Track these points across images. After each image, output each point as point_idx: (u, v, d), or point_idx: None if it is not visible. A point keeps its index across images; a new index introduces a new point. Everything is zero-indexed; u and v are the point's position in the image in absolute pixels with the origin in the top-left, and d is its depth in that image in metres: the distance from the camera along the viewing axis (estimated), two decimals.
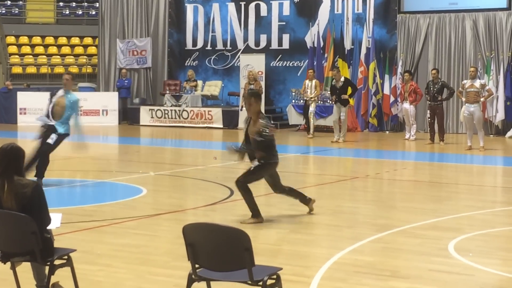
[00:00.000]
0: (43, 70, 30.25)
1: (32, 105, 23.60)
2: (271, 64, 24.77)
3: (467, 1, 22.20)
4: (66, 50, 31.58)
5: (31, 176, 10.81)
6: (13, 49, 30.91)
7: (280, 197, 10.92)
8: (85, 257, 6.92)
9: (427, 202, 10.69)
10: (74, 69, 30.71)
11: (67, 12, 32.50)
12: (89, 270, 6.61)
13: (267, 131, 8.81)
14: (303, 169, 15.51)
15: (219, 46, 25.90)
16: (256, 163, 8.98)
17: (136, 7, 27.02)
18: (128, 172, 13.62)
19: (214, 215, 9.60)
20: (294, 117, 22.78)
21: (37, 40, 31.63)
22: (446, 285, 6.42)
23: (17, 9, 32.33)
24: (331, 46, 23.25)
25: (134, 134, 22.61)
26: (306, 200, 9.49)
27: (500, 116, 21.12)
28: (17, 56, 30.84)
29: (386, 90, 22.40)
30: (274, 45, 24.96)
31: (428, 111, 19.15)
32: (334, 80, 19.73)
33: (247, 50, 25.20)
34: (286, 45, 24.79)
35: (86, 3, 32.83)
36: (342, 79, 19.38)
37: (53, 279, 5.48)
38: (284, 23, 24.80)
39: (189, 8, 26.38)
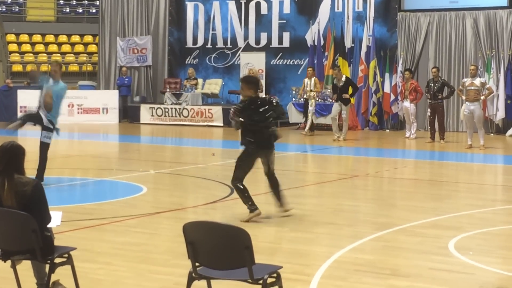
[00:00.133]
0: (43, 68, 30.24)
1: (33, 103, 23.55)
2: (272, 62, 24.77)
3: None
4: (66, 48, 31.59)
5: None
6: (13, 47, 30.92)
7: None
8: (85, 255, 6.92)
9: (427, 200, 10.69)
10: (74, 67, 30.73)
11: (68, 10, 32.51)
12: (89, 268, 6.61)
13: (231, 113, 8.97)
14: (304, 167, 15.51)
15: (220, 44, 25.90)
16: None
17: (137, 5, 27.02)
18: (129, 170, 13.62)
19: (214, 213, 9.60)
20: (295, 116, 22.77)
21: (37, 38, 31.64)
22: (446, 284, 6.42)
23: (17, 7, 32.34)
24: (331, 44, 23.25)
25: (134, 132, 22.61)
26: (281, 202, 9.27)
27: (500, 114, 21.13)
28: (17, 54, 30.85)
29: (387, 89, 22.40)
30: (275, 43, 24.95)
31: (429, 110, 19.15)
32: (335, 79, 19.74)
33: (248, 48, 25.20)
34: (286, 43, 24.78)
35: (86, 1, 32.85)
36: (344, 78, 19.39)
37: (54, 277, 5.48)
38: (284, 21, 24.80)
39: (190, 6, 26.37)
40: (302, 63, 24.31)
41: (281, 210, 9.21)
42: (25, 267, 5.69)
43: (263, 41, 25.13)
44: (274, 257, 7.07)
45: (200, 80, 25.39)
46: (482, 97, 17.90)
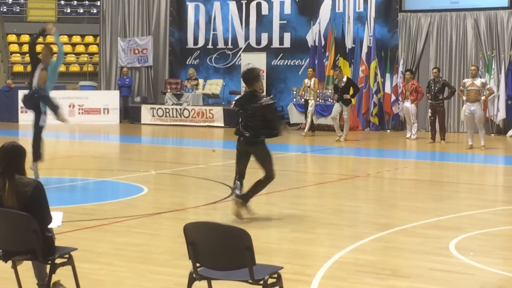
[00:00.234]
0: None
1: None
2: (272, 63, 24.77)
3: (468, 0, 22.19)
4: (67, 48, 31.56)
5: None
6: (14, 47, 30.93)
7: (281, 196, 10.95)
8: (86, 256, 6.92)
9: (428, 201, 10.69)
10: (75, 68, 30.74)
11: (69, 11, 32.52)
12: (90, 268, 6.61)
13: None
14: (304, 168, 15.51)
15: (220, 44, 25.90)
16: None
17: (138, 5, 27.04)
18: (129, 170, 13.62)
19: (215, 213, 9.60)
20: (295, 116, 22.78)
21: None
22: (447, 284, 6.42)
23: (18, 7, 32.35)
24: (332, 44, 23.26)
25: (135, 133, 22.62)
26: (246, 199, 9.13)
27: (501, 115, 21.13)
28: (18, 54, 30.85)
29: (387, 89, 22.41)
30: (275, 43, 24.95)
31: (429, 110, 19.15)
32: (336, 80, 19.75)
33: (248, 48, 25.20)
34: (287, 43, 24.79)
35: (87, 2, 32.85)
36: (345, 79, 19.40)
37: (54, 278, 5.49)
38: (285, 21, 24.80)
39: (190, 6, 26.38)
40: (303, 63, 24.31)
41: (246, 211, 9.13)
42: (26, 267, 5.69)
43: (264, 42, 25.13)
44: (274, 257, 7.07)
45: (201, 81, 25.40)
46: (483, 98, 17.90)
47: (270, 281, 4.84)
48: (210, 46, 26.07)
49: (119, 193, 11.55)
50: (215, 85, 25.31)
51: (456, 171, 14.89)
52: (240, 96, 9.28)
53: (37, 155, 11.63)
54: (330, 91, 22.25)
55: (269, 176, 9.12)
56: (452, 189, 12.16)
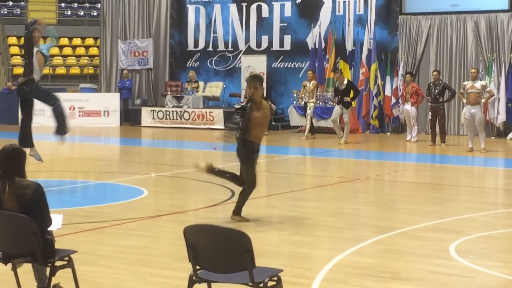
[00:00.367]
0: (45, 71, 30.14)
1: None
2: (273, 66, 24.77)
3: (468, 2, 22.20)
4: (67, 51, 31.60)
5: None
6: (14, 49, 30.93)
7: (281, 198, 10.95)
8: (86, 258, 6.93)
9: (428, 204, 10.69)
10: (75, 70, 30.74)
11: (69, 13, 32.52)
12: (90, 271, 6.61)
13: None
14: (304, 170, 15.51)
15: (221, 47, 25.91)
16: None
17: (138, 8, 27.05)
18: (129, 173, 13.63)
19: (215, 216, 9.60)
20: (296, 119, 22.77)
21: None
22: (447, 287, 6.42)
23: (18, 9, 32.36)
24: (332, 47, 23.26)
25: (135, 135, 22.62)
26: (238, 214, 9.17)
27: (501, 118, 21.11)
28: (18, 57, 30.84)
29: (388, 92, 22.40)
30: (276, 46, 24.95)
31: (430, 113, 19.14)
32: (337, 82, 19.76)
33: (249, 51, 25.21)
34: (287, 46, 24.79)
35: (87, 4, 32.86)
36: (345, 81, 19.40)
37: (54, 280, 5.48)
38: (285, 24, 24.80)
39: (191, 9, 26.39)
40: (303, 66, 24.31)
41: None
42: (26, 270, 5.69)
43: (264, 44, 25.13)
44: (274, 260, 7.07)
45: (201, 83, 25.40)
46: (483, 100, 17.90)
47: (270, 283, 4.84)
48: (210, 48, 26.07)
49: (119, 196, 11.55)
50: (215, 88, 25.32)
51: (456, 173, 14.90)
52: None
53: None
54: (330, 93, 22.26)
55: (246, 184, 9.02)
56: (452, 192, 12.17)
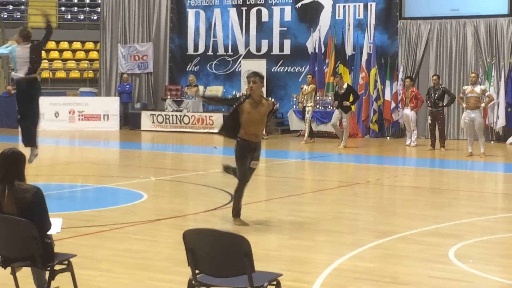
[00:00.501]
0: (45, 75, 30.26)
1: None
2: (273, 70, 24.79)
3: (468, 7, 22.22)
4: (67, 54, 31.62)
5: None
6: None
7: (280, 203, 10.94)
8: (86, 262, 6.92)
9: (427, 208, 10.69)
10: (75, 74, 30.76)
11: (69, 17, 32.55)
12: (89, 275, 6.61)
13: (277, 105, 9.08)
14: (304, 174, 15.51)
15: (220, 51, 25.93)
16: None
17: (138, 12, 27.07)
18: (129, 177, 13.62)
19: (214, 220, 9.59)
20: (295, 123, 22.78)
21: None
22: None
23: (19, 13, 32.38)
24: (332, 51, 23.28)
25: (135, 139, 22.62)
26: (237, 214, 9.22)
27: (501, 122, 21.12)
28: None
29: (387, 96, 22.41)
30: (276, 50, 24.97)
31: (429, 117, 19.15)
32: (337, 86, 19.78)
33: (248, 55, 25.22)
34: (287, 50, 24.80)
35: (88, 8, 32.89)
36: (345, 86, 19.40)
37: (53, 284, 5.48)
38: (285, 28, 24.82)
39: (191, 13, 26.41)
40: (303, 70, 24.32)
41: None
42: (25, 274, 5.69)
43: (264, 48, 25.15)
44: (274, 264, 7.07)
45: (201, 87, 25.40)
46: (483, 105, 17.90)
47: None
48: (210, 52, 26.09)
49: (118, 200, 11.55)
50: (215, 92, 25.30)
51: (455, 178, 14.89)
52: None
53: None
54: (330, 98, 22.27)
55: (238, 180, 9.12)
56: (451, 196, 12.16)
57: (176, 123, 24.27)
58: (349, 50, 23.40)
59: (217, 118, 23.58)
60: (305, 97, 20.89)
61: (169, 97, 25.23)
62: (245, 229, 8.74)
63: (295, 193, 12.10)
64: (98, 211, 10.20)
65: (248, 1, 25.39)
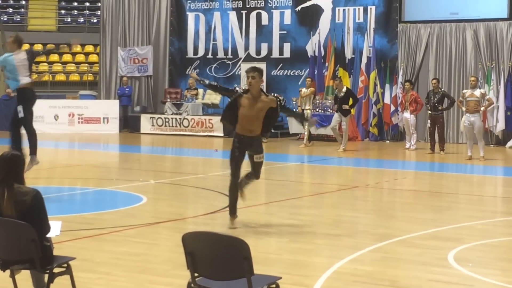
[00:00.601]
0: (44, 77, 30.28)
1: (33, 113, 23.60)
2: (272, 73, 24.81)
3: (468, 11, 22.24)
4: (67, 57, 31.63)
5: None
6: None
7: (280, 206, 10.94)
8: (85, 265, 6.92)
9: (427, 211, 10.69)
10: (75, 77, 30.77)
11: (69, 20, 32.57)
12: (88, 278, 6.60)
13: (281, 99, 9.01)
14: (303, 178, 15.51)
15: (220, 54, 25.94)
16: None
17: (138, 15, 27.09)
18: (129, 180, 13.62)
19: (214, 223, 9.59)
20: (295, 126, 22.78)
21: (38, 47, 31.65)
22: None
23: (19, 16, 32.40)
24: (332, 55, 23.30)
25: (134, 142, 22.62)
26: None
27: (500, 126, 21.13)
28: None
29: (387, 100, 22.43)
30: (275, 54, 25.00)
31: (429, 121, 19.16)
32: (336, 90, 19.80)
33: (248, 58, 25.24)
34: (287, 54, 24.83)
35: (87, 11, 32.92)
36: (344, 89, 19.41)
37: (53, 287, 5.48)
38: (285, 32, 24.85)
39: (190, 16, 26.44)
40: (302, 73, 24.33)
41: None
42: (24, 276, 5.69)
43: (264, 52, 25.17)
44: (273, 267, 7.06)
45: (200, 90, 25.42)
46: (482, 109, 17.92)
47: None
48: (210, 56, 26.12)
49: (118, 203, 11.55)
50: (214, 95, 25.30)
51: (455, 182, 14.90)
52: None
53: (33, 149, 11.56)
54: (329, 101, 22.28)
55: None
56: (451, 200, 12.17)
57: (176, 126, 24.27)
58: (348, 54, 23.42)
59: (217, 122, 23.58)
60: (304, 100, 20.89)
61: (168, 100, 25.24)
62: (245, 232, 8.73)
63: (295, 196, 12.11)
64: (98, 214, 10.20)
65: (248, 5, 25.43)
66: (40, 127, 22.93)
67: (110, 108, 25.43)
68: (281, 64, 24.86)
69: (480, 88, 18.36)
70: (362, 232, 9.23)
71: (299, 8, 24.56)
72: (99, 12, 29.36)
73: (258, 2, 25.28)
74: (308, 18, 24.40)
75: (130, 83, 26.77)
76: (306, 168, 17.19)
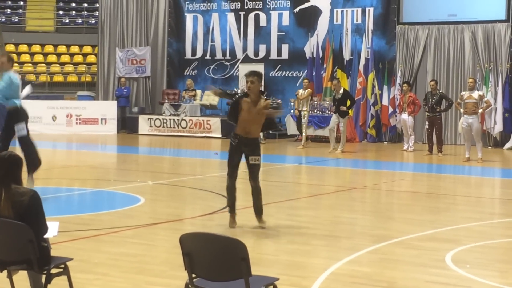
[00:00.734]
0: (42, 78, 30.26)
1: (31, 113, 23.41)
2: (270, 74, 24.80)
3: (466, 12, 22.25)
4: (65, 58, 31.62)
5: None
6: (12, 57, 30.89)
7: (277, 207, 10.94)
8: (82, 266, 6.91)
9: (425, 213, 10.69)
10: (73, 78, 30.75)
11: (67, 21, 32.56)
12: (85, 279, 6.60)
13: (277, 102, 8.99)
14: (301, 179, 15.51)
15: (218, 55, 25.94)
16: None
17: (136, 16, 27.07)
18: (126, 181, 13.62)
19: (211, 224, 9.59)
20: (293, 127, 22.77)
21: (36, 48, 31.67)
22: None
23: (17, 17, 32.38)
24: (330, 56, 23.30)
25: (132, 143, 22.61)
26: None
27: (498, 127, 21.14)
28: (16, 64, 30.83)
29: (385, 101, 22.43)
30: (273, 55, 24.99)
31: (427, 122, 19.18)
32: (334, 91, 19.80)
33: (246, 60, 25.24)
34: (285, 55, 24.83)
35: (85, 12, 32.90)
36: (341, 90, 19.40)
37: None
38: (283, 33, 24.85)
39: (189, 17, 26.43)
40: (300, 75, 24.33)
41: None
42: (22, 277, 5.68)
43: (262, 53, 25.17)
44: (271, 268, 7.06)
45: (198, 91, 25.42)
46: (480, 110, 17.92)
47: None
48: (208, 57, 26.11)
49: (115, 203, 11.54)
50: (212, 96, 25.31)
51: (453, 183, 14.90)
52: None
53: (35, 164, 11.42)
54: (328, 102, 22.28)
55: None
56: (449, 201, 12.17)
57: (174, 127, 24.26)
58: (347, 55, 23.42)
59: (215, 123, 23.59)
60: (301, 102, 20.89)
61: (166, 101, 25.23)
62: (242, 233, 8.74)
63: (292, 197, 12.10)
64: (95, 214, 10.19)
65: (246, 6, 25.43)
66: (38, 128, 22.94)
67: (108, 109, 25.41)
68: (279, 66, 24.86)
69: (478, 90, 18.37)
70: (360, 233, 9.22)
71: (297, 9, 24.57)
72: (97, 13, 29.35)
73: (256, 3, 25.29)
74: (306, 19, 24.40)
75: (128, 84, 26.76)
76: (304, 169, 17.19)
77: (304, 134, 20.77)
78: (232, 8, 25.67)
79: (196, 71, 26.31)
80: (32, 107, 23.99)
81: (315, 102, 22.42)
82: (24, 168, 7.94)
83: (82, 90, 28.90)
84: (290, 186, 13.95)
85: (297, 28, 24.59)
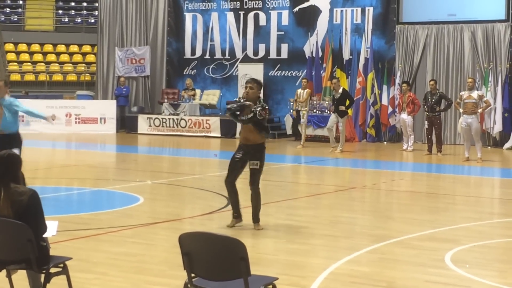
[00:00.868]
0: (42, 77, 30.26)
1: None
2: (270, 74, 24.79)
3: (465, 12, 22.24)
4: (64, 57, 31.60)
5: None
6: (11, 56, 30.93)
7: (277, 207, 10.94)
8: (81, 265, 6.91)
9: (424, 213, 10.69)
10: (72, 77, 30.74)
11: (66, 20, 32.55)
12: (85, 278, 6.59)
13: (259, 111, 8.82)
14: (300, 179, 15.50)
15: (218, 55, 25.93)
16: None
17: (135, 15, 27.06)
18: (125, 180, 13.61)
19: (210, 224, 9.59)
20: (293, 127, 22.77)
21: (35, 47, 31.66)
22: None
23: (16, 16, 32.36)
24: (329, 56, 23.29)
25: (131, 143, 22.60)
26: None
27: (497, 127, 21.13)
28: (15, 63, 30.86)
29: (384, 101, 22.41)
30: (273, 54, 24.98)
31: (426, 122, 19.17)
32: (334, 91, 19.79)
33: (246, 59, 25.23)
34: (284, 54, 24.81)
35: (85, 11, 32.89)
36: (340, 90, 19.39)
37: (49, 287, 5.47)
38: (283, 32, 24.84)
39: (188, 17, 26.42)
40: (300, 74, 24.31)
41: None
42: (21, 276, 5.68)
43: (261, 53, 25.16)
44: (270, 268, 7.06)
45: (198, 91, 25.41)
46: (480, 110, 17.91)
47: None
48: (207, 56, 26.10)
49: (115, 203, 11.54)
50: (212, 96, 25.33)
51: (452, 183, 14.90)
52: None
53: None
54: (327, 102, 22.28)
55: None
56: (448, 201, 12.17)
57: (173, 126, 24.26)
58: (346, 55, 23.41)
59: (214, 122, 23.59)
60: (301, 102, 20.85)
61: (166, 100, 25.21)
62: (241, 232, 8.73)
63: (292, 197, 12.10)
64: (94, 214, 10.19)
65: (246, 5, 25.41)
66: (37, 127, 22.96)
67: (107, 108, 25.40)
68: (279, 65, 24.84)
69: (477, 90, 18.37)
70: (359, 233, 9.22)
71: (296, 9, 24.55)
72: (96, 12, 29.33)
73: (255, 3, 25.28)
74: (305, 19, 24.39)
75: (128, 84, 26.75)
76: (303, 169, 17.19)
77: (303, 134, 20.75)
78: (231, 7, 25.66)
79: (195, 70, 26.30)
80: (31, 106, 24.11)
81: (315, 102, 22.42)
82: None
83: (82, 90, 28.89)
84: (290, 186, 13.95)
85: (296, 28, 24.58)
